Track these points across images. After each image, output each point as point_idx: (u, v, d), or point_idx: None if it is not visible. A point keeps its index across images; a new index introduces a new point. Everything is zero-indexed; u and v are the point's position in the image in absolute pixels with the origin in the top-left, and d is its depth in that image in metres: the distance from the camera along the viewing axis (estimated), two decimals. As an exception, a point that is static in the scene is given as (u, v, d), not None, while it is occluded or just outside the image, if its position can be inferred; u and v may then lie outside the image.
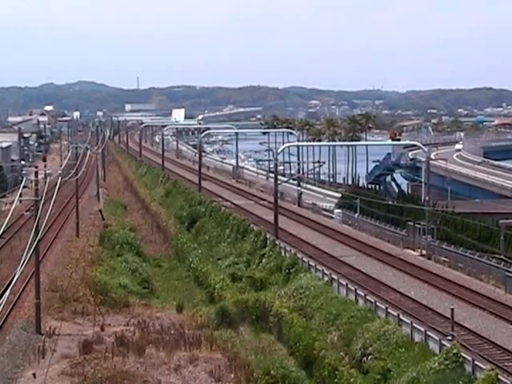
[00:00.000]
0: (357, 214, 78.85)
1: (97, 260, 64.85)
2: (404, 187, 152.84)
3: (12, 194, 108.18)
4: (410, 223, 66.43)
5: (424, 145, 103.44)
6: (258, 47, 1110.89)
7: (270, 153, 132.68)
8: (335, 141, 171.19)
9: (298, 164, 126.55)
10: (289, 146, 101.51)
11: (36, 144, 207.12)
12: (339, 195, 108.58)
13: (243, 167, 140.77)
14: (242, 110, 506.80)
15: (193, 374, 39.33)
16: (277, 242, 63.13)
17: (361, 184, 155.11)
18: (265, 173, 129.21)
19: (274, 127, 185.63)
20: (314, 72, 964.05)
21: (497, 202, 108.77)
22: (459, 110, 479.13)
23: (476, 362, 33.68)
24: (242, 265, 63.03)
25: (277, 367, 38.24)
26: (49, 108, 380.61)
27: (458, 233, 75.94)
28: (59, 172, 68.55)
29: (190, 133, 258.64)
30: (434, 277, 52.09)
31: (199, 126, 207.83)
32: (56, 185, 60.49)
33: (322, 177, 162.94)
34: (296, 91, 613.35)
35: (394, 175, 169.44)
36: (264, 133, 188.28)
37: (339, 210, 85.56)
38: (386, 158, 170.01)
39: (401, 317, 40.89)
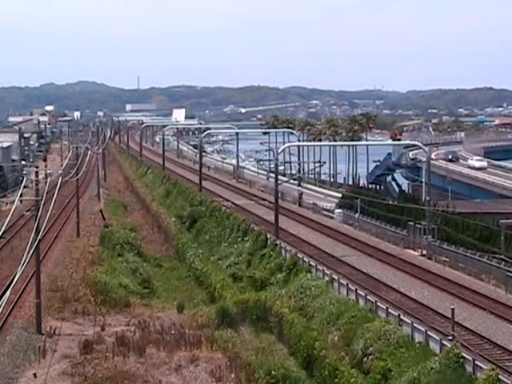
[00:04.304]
0: (357, 214, 78.80)
1: (97, 260, 64.83)
2: (405, 187, 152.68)
3: (12, 194, 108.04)
4: (410, 223, 66.38)
5: (424, 145, 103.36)
6: (258, 47, 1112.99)
7: (271, 153, 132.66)
8: (336, 141, 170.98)
9: (299, 164, 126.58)
10: (289, 146, 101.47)
11: (36, 144, 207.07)
12: (340, 195, 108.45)
13: (244, 167, 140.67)
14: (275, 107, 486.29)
15: (193, 374, 39.32)
16: (277, 242, 63.11)
17: (361, 184, 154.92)
18: (265, 173, 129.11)
19: (275, 127, 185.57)
20: (314, 72, 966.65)
21: (497, 202, 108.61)
22: (460, 109, 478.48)
23: (476, 362, 33.67)
24: (243, 265, 63.07)
25: (277, 367, 38.24)
26: (49, 108, 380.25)
27: (459, 233, 75.74)
28: (60, 172, 68.32)
29: (191, 133, 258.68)
30: (435, 277, 52.05)
31: (199, 125, 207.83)
32: (56, 185, 60.38)
33: (323, 177, 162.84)
34: (296, 91, 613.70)
35: (395, 175, 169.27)
36: (264, 133, 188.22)
37: (340, 210, 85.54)
38: (387, 157, 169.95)
39: (401, 317, 40.87)
